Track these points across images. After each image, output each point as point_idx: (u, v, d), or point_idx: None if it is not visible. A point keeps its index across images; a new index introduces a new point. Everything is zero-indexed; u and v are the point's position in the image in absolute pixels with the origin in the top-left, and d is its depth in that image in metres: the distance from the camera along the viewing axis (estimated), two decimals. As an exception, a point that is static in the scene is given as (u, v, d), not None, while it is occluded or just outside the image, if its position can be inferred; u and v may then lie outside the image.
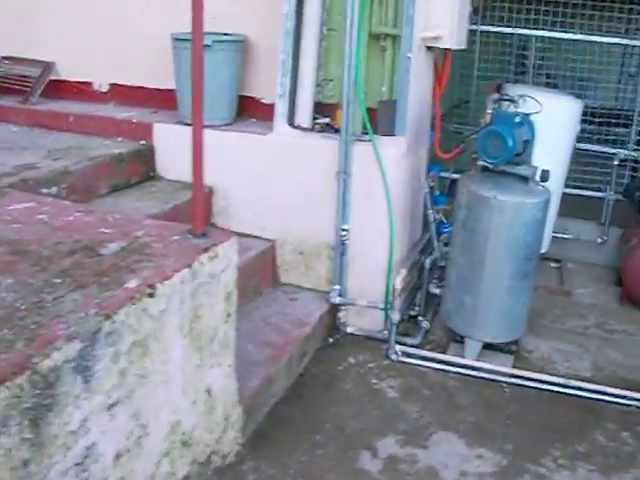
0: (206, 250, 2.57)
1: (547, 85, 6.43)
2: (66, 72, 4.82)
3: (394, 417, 3.32)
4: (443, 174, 4.93)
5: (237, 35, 4.16)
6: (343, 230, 3.84)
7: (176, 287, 2.36)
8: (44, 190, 3.60)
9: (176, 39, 4.00)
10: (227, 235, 2.78)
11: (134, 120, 4.32)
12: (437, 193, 4.59)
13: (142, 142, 4.24)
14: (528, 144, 3.57)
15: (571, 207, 5.22)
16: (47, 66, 4.77)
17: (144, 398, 2.25)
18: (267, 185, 4.01)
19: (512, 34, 5.75)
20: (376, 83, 3.87)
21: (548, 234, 4.74)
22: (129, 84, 4.63)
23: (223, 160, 4.08)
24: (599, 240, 5.33)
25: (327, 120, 3.97)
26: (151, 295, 2.23)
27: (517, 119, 3.50)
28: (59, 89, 4.84)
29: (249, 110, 4.33)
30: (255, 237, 4.11)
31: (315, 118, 4.01)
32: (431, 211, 4.39)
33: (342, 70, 3.66)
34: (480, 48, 5.78)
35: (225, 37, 4.06)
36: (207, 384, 2.69)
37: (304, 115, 3.96)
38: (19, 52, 4.87)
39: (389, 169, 3.72)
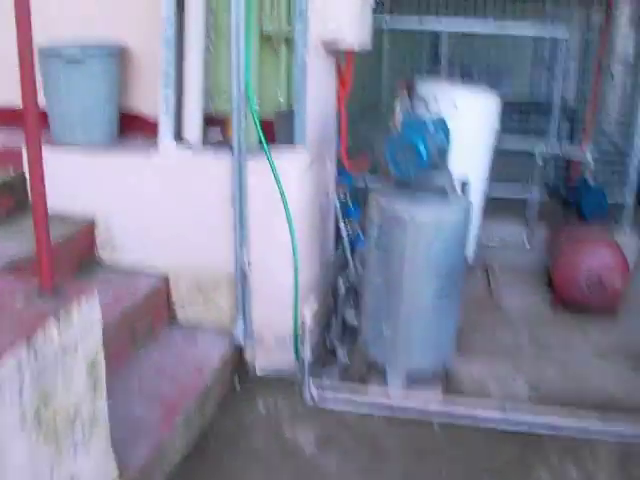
0: (55, 315, 2.04)
1: (462, 77, 6.07)
2: None
3: (310, 475, 2.85)
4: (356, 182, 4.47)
5: (113, 45, 3.59)
6: (242, 258, 3.35)
7: (9, 373, 1.83)
8: None
9: (41, 52, 3.42)
10: (86, 290, 2.25)
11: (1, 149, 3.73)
12: (350, 205, 4.15)
13: (11, 170, 3.65)
14: (444, 151, 3.14)
15: (495, 209, 4.85)
16: None
17: (-31, 524, 1.73)
18: (155, 212, 3.48)
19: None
20: (272, 91, 3.39)
21: (472, 243, 4.36)
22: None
23: (104, 186, 3.54)
24: (526, 242, 4.99)
25: (219, 135, 3.48)
26: (-33, 392, 1.70)
27: (430, 124, 3.07)
28: None
29: (134, 128, 3.75)
30: (146, 272, 3.57)
31: (207, 133, 3.51)
32: (343, 225, 3.94)
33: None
34: (390, 43, 5.35)
35: (98, 48, 3.49)
36: (71, 473, 2.16)
37: (193, 131, 3.43)
38: None
39: (290, 185, 3.24)
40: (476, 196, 3.83)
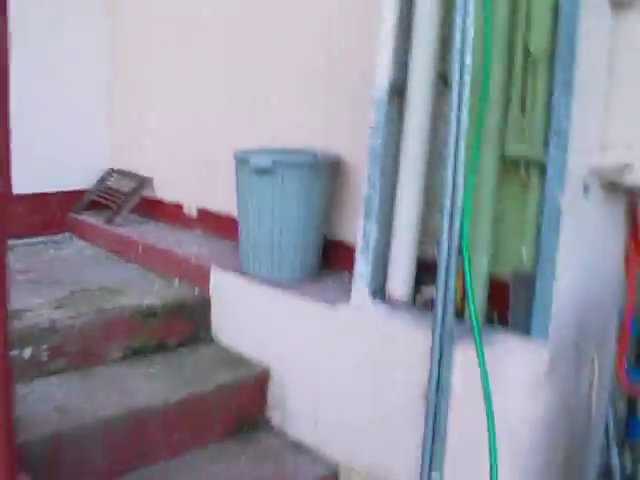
0: None
1: None
2: (160, 190, 3.73)
3: None
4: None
5: (317, 155, 2.68)
6: (431, 487, 2.10)
7: None
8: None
9: (235, 158, 2.65)
10: None
11: (192, 260, 3.02)
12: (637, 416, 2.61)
13: (197, 290, 2.92)
14: None
15: None
16: (142, 181, 3.71)
17: None
18: (334, 379, 2.42)
19: None
20: (512, 240, 2.15)
21: None
22: (217, 211, 3.36)
23: (286, 331, 2.60)
24: None
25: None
26: None
27: None
28: (154, 208, 3.75)
29: (341, 261, 2.78)
30: (315, 454, 2.50)
31: (421, 283, 2.38)
32: (616, 452, 2.43)
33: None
34: None
35: (295, 156, 2.61)
36: None
37: (399, 281, 2.33)
38: (129, 165, 3.90)
39: (515, 396, 1.94)
40: None
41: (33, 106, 3.72)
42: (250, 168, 2.50)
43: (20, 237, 3.64)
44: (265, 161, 2.46)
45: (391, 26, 2.17)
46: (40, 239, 3.68)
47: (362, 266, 2.37)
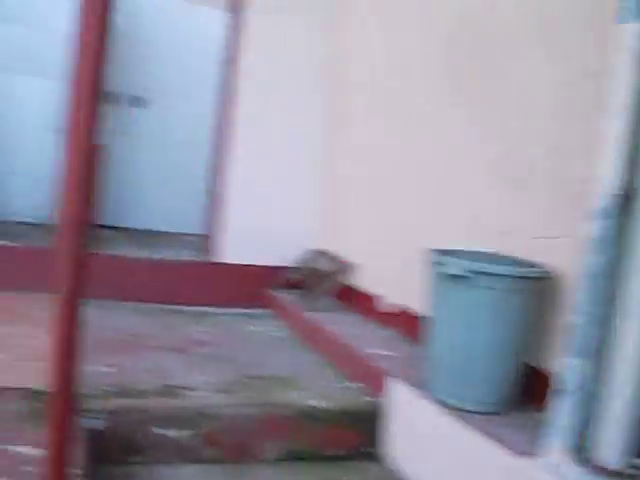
0: None
1: None
2: (361, 279, 3.48)
3: None
4: None
5: (529, 267, 2.21)
6: None
7: None
8: (158, 430, 2.28)
9: (429, 259, 2.29)
10: None
11: (373, 362, 2.68)
12: None
13: (371, 398, 2.57)
14: None
15: None
16: (344, 267, 3.50)
17: None
18: None
19: None
20: None
21: None
22: (414, 311, 2.98)
23: (461, 472, 2.15)
24: None
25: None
26: None
27: None
28: (352, 297, 3.51)
29: (545, 396, 2.26)
30: None
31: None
32: None
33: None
34: None
35: (500, 266, 2.16)
36: None
37: (609, 442, 1.79)
38: (334, 248, 3.74)
39: None
40: None
41: (255, 182, 3.77)
42: (442, 271, 2.14)
43: (217, 306, 3.64)
44: (458, 266, 2.08)
45: (622, 125, 1.72)
46: (235, 310, 3.63)
47: (559, 414, 1.86)
